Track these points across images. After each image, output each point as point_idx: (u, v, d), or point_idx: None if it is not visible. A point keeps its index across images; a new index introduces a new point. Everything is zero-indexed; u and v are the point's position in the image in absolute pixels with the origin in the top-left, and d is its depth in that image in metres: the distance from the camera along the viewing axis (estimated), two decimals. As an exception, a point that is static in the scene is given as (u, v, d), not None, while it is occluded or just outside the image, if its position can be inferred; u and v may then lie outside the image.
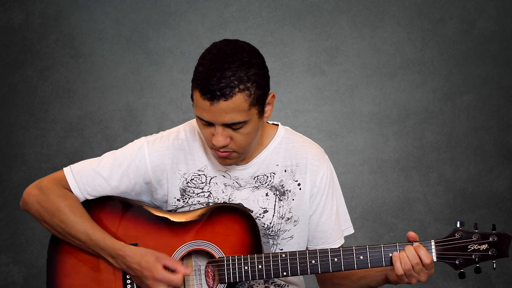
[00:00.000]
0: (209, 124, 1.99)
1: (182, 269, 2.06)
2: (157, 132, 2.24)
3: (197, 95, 1.96)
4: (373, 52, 3.81)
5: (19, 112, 3.82)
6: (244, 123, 1.98)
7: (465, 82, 3.80)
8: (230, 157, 2.05)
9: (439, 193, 3.80)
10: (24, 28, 3.82)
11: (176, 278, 2.04)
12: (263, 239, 2.15)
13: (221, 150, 2.02)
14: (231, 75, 1.93)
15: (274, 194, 2.15)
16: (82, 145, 3.83)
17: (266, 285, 2.18)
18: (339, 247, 2.06)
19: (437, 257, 2.02)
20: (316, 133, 3.80)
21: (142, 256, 2.06)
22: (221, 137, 1.98)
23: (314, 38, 3.81)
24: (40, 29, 3.82)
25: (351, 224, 2.27)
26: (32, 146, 3.83)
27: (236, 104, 1.94)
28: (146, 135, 2.23)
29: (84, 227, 2.10)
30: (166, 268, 2.06)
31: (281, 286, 2.21)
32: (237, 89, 1.93)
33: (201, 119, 1.99)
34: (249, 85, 1.95)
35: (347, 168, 3.81)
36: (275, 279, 2.19)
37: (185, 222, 2.12)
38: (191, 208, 2.15)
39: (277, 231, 2.15)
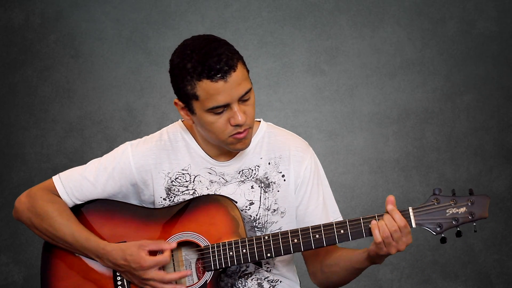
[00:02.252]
0: (224, 109, 2.02)
1: (167, 245, 2.08)
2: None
3: (205, 85, 1.99)
4: (373, 52, 3.81)
5: (19, 112, 3.83)
6: (250, 90, 2.04)
7: (465, 82, 3.79)
8: (248, 136, 2.09)
9: (439, 193, 3.80)
10: (24, 28, 3.82)
11: (163, 257, 2.07)
12: (251, 233, 2.17)
13: (242, 129, 2.05)
14: (223, 50, 2.00)
15: (259, 186, 2.17)
16: (82, 145, 3.83)
17: (259, 281, 2.20)
18: (319, 224, 2.07)
19: (415, 223, 2.02)
20: (316, 133, 3.80)
21: (125, 250, 2.09)
22: (241, 113, 2.03)
23: (314, 38, 3.81)
24: (40, 29, 3.82)
25: (340, 215, 2.28)
26: (32, 146, 3.83)
27: (241, 72, 2.02)
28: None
29: (70, 229, 2.14)
30: (151, 252, 2.09)
31: (275, 281, 2.22)
32: (235, 59, 2.01)
33: (216, 108, 2.02)
34: (238, 54, 2.04)
35: (347, 168, 3.81)
36: (269, 275, 2.21)
37: (170, 216, 2.15)
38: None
39: (264, 223, 2.17)
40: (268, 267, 2.21)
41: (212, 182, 2.17)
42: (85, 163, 2.27)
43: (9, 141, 3.83)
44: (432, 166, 3.80)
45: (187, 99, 2.05)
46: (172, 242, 2.10)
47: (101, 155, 2.28)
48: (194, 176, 2.18)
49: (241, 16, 3.81)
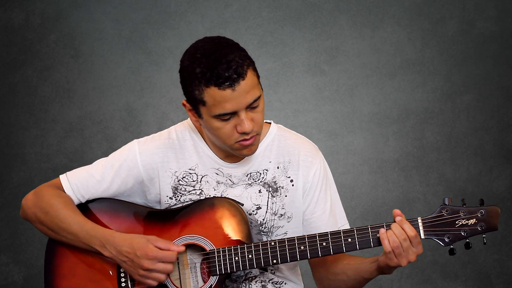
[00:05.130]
0: (231, 116, 2.00)
1: (175, 247, 2.07)
2: (157, 132, 2.26)
3: (213, 92, 1.97)
4: (373, 52, 3.81)
5: (19, 112, 3.82)
6: (259, 98, 2.02)
7: (465, 82, 3.79)
8: (255, 142, 2.07)
9: (439, 193, 3.80)
10: (24, 28, 3.82)
11: (170, 253, 2.05)
12: (258, 237, 2.16)
13: (248, 136, 2.03)
14: (233, 56, 1.97)
15: (267, 190, 2.16)
16: (82, 145, 3.83)
17: (263, 283, 2.19)
18: (327, 232, 2.06)
19: (424, 234, 2.00)
20: (316, 133, 3.80)
21: (133, 239, 2.07)
22: (248, 121, 2.01)
23: (314, 38, 3.81)
24: (40, 29, 3.82)
25: (347, 221, 2.27)
26: (32, 146, 3.83)
27: (251, 80, 1.99)
28: (146, 135, 2.26)
29: (76, 219, 2.13)
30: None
31: (279, 283, 2.21)
32: (245, 66, 1.98)
33: (223, 115, 2.00)
34: (248, 60, 2.00)
35: (347, 168, 3.81)
36: (273, 277, 2.20)
37: (175, 218, 2.14)
38: (183, 205, 2.17)
39: (271, 227, 2.16)
40: (272, 270, 2.21)
41: (219, 183, 2.16)
42: (85, 163, 2.27)
43: (9, 141, 3.83)
44: (432, 166, 3.80)
45: (194, 102, 2.03)
46: (180, 246, 2.08)
47: (101, 155, 2.28)
48: (201, 176, 2.17)
49: (241, 16, 3.81)
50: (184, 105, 2.09)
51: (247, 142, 2.05)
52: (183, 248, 2.08)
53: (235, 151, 2.08)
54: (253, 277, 2.18)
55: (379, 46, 3.81)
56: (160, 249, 2.07)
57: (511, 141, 3.80)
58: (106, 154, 2.29)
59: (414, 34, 3.80)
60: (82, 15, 3.81)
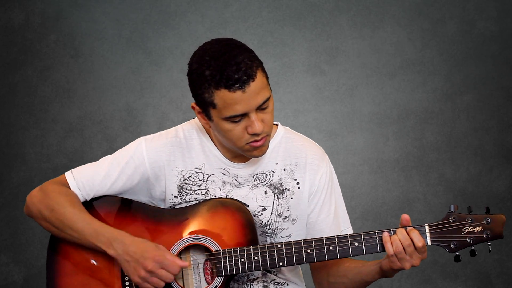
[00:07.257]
0: (241, 118, 2.01)
1: (180, 262, 2.07)
2: (157, 132, 2.26)
3: (223, 94, 1.97)
4: (373, 52, 3.81)
5: (19, 112, 3.82)
6: (269, 98, 2.02)
7: (465, 82, 3.80)
8: (265, 143, 2.07)
9: (439, 193, 3.80)
10: (24, 28, 3.82)
11: (175, 265, 2.05)
12: (261, 238, 2.16)
13: (259, 137, 2.04)
14: (243, 58, 1.96)
15: (272, 192, 2.16)
16: (82, 145, 3.83)
17: (265, 283, 2.19)
18: (334, 236, 2.06)
19: (431, 241, 2.01)
20: (316, 133, 3.80)
21: (144, 242, 2.07)
22: (259, 122, 2.01)
23: (314, 38, 3.81)
24: (40, 29, 3.82)
25: (350, 225, 2.27)
26: (32, 146, 3.83)
27: (261, 81, 1.99)
28: (146, 135, 2.25)
29: (83, 217, 2.12)
30: None
31: (281, 284, 2.21)
32: (254, 67, 1.97)
33: (233, 117, 2.00)
34: (257, 61, 2.00)
35: (347, 168, 3.81)
36: (275, 278, 2.20)
37: (181, 217, 2.14)
38: (188, 205, 2.16)
39: (275, 229, 2.16)
40: (274, 271, 2.21)
41: (225, 183, 2.16)
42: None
43: (9, 141, 3.83)
44: (432, 166, 3.81)
45: (204, 105, 2.03)
46: (185, 262, 2.07)
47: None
48: (207, 176, 2.17)
49: (241, 16, 3.81)
50: (193, 108, 2.08)
51: (258, 143, 2.05)
52: (188, 264, 2.09)
53: (245, 152, 2.08)
54: (255, 278, 2.18)
55: (379, 46, 3.81)
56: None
57: (511, 141, 3.80)
58: (106, 154, 2.28)
59: (414, 34, 3.80)
60: (82, 15, 3.81)
